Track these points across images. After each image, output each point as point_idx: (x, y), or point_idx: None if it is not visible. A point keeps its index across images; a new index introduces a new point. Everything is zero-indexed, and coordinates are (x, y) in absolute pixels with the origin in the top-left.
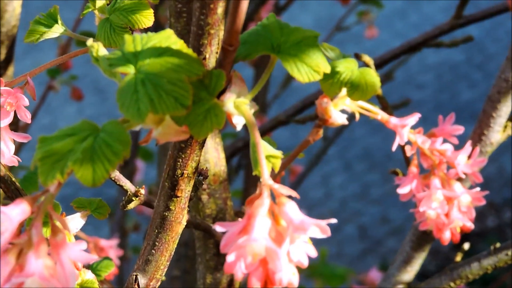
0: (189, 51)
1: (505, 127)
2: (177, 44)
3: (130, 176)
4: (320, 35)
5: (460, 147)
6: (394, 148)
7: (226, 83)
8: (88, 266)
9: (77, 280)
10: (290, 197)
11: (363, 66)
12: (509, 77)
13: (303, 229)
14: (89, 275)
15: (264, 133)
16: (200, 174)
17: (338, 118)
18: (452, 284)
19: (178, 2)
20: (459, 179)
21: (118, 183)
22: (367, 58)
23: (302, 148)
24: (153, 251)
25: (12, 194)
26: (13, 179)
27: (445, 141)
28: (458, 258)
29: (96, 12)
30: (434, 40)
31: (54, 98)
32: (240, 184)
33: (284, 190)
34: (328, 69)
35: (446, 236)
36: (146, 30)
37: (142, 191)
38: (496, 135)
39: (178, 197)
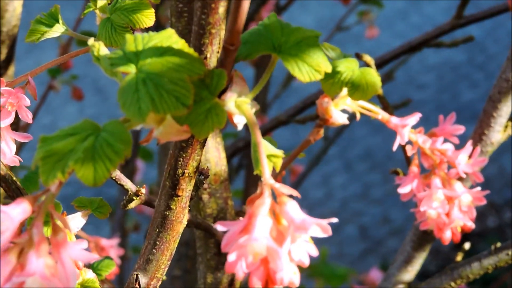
0: (190, 50)
1: (506, 127)
2: (178, 43)
3: (130, 176)
4: (321, 34)
5: (461, 147)
6: (395, 148)
7: (227, 82)
8: (89, 266)
9: (78, 279)
10: (291, 196)
11: (364, 66)
12: (509, 77)
13: (304, 228)
14: (90, 275)
15: (264, 133)
16: (201, 173)
17: (338, 118)
18: (452, 284)
19: (179, 2)
20: (460, 179)
21: (119, 182)
22: (368, 58)
23: (303, 148)
24: (154, 250)
25: (13, 194)
26: (14, 178)
27: (446, 140)
28: (459, 258)
29: (97, 11)
30: (435, 40)
31: (55, 97)
32: (241, 184)
33: (285, 189)
34: (329, 69)
35: (447, 236)
36: (147, 30)
37: (143, 190)
38: (496, 135)
39: (179, 196)
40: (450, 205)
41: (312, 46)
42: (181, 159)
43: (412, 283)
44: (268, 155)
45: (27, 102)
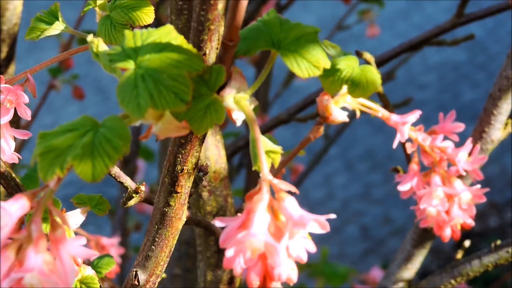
0: (189, 46)
1: (506, 124)
2: (177, 39)
3: (131, 176)
4: (320, 31)
5: (461, 146)
6: (395, 145)
7: (226, 78)
8: (88, 264)
9: (77, 276)
10: (289, 193)
11: (364, 64)
12: (510, 74)
13: (302, 224)
14: (89, 271)
15: (265, 131)
16: (200, 170)
17: (338, 116)
18: (452, 282)
19: (179, 0)
20: (460, 177)
21: (118, 180)
22: (368, 56)
23: (303, 146)
24: (153, 247)
25: (12, 190)
26: (13, 175)
27: (445, 138)
28: (459, 256)
29: (97, 9)
30: (435, 39)
31: (56, 97)
32: (242, 183)
33: (284, 185)
34: (328, 65)
35: (447, 233)
36: (146, 28)
37: (143, 187)
38: (496, 133)
39: (178, 193)
40: (450, 203)
41: (311, 42)
42: (180, 156)
43: (412, 281)
44: (267, 151)
45: (26, 99)
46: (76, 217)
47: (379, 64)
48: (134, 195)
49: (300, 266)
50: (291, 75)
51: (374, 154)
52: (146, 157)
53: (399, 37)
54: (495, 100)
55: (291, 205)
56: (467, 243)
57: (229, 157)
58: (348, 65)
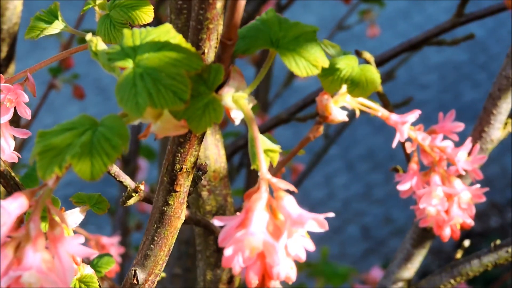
0: (188, 45)
1: (506, 124)
2: (176, 38)
3: (132, 175)
4: (319, 29)
5: (460, 145)
6: (394, 144)
7: (225, 77)
8: (88, 263)
9: (76, 274)
10: (289, 192)
11: (363, 63)
12: (509, 74)
13: (300, 223)
14: (88, 270)
15: (265, 131)
16: (199, 169)
17: (338, 115)
18: (452, 281)
19: None
20: (459, 176)
21: (117, 179)
22: (367, 55)
23: (303, 145)
24: (152, 246)
25: (11, 189)
26: (13, 174)
27: (445, 138)
28: (459, 255)
29: (96, 8)
30: (435, 38)
31: (56, 97)
32: (242, 182)
33: (282, 184)
34: (326, 64)
35: (446, 233)
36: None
37: (142, 187)
38: (496, 132)
39: (177, 192)
40: (449, 202)
41: (310, 41)
42: (179, 155)
43: (412, 281)
44: (265, 150)
45: (26, 98)
46: (75, 216)
47: (379, 63)
48: (133, 194)
49: (300, 266)
50: (292, 75)
51: (374, 154)
52: (148, 156)
53: (399, 37)
54: (495, 100)
55: (289, 203)
56: (466, 243)
57: (229, 156)
58: (348, 65)
